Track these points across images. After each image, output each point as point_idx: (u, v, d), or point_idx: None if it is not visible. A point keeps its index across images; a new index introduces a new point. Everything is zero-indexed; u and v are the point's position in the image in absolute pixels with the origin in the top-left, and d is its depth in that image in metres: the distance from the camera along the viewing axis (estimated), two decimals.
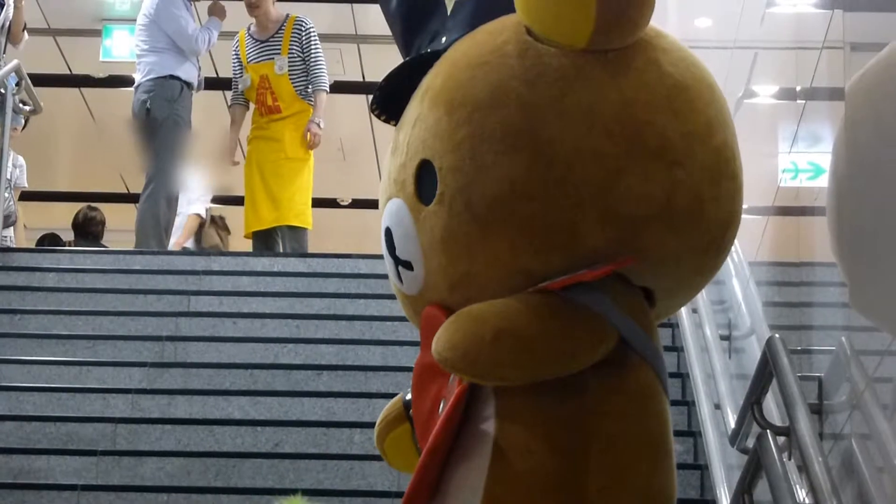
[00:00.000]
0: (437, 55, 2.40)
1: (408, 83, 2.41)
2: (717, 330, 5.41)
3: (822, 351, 3.81)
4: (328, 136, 9.16)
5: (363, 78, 13.18)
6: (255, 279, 7.37)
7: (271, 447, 5.77)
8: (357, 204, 14.36)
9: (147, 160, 8.45)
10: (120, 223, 10.98)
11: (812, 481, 2.83)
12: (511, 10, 2.31)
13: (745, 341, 4.82)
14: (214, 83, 10.42)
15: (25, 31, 8.83)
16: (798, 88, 4.53)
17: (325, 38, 8.90)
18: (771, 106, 5.34)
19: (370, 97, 2.50)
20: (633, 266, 2.27)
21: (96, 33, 12.96)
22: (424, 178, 2.31)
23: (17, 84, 8.41)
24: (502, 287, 2.25)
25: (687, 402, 5.73)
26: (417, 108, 2.36)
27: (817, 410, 3.44)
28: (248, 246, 8.68)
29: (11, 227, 9.52)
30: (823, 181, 3.89)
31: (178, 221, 9.33)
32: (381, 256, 2.47)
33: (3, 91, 8.21)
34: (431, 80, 2.36)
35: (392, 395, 2.58)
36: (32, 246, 10.11)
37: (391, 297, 2.59)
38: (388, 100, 2.45)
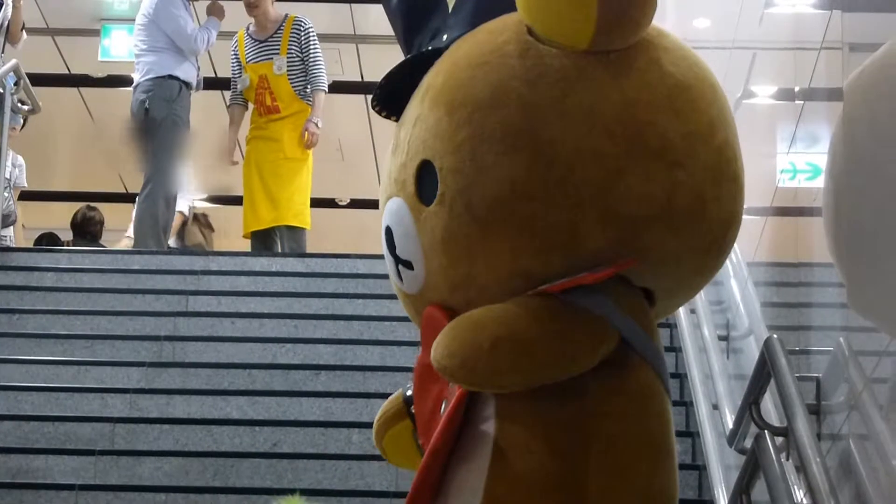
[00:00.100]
0: (438, 53, 2.39)
1: (409, 80, 2.41)
2: (716, 330, 5.40)
3: (820, 351, 3.80)
4: (327, 137, 9.15)
5: (362, 78, 13.17)
6: (254, 279, 7.37)
7: (269, 447, 5.76)
8: (355, 204, 14.37)
9: (145, 160, 8.44)
10: (119, 223, 10.97)
11: (810, 482, 2.82)
12: (512, 8, 2.30)
13: (744, 342, 4.82)
14: (213, 83, 10.41)
15: (24, 31, 8.82)
16: (796, 89, 4.52)
17: (323, 37, 8.89)
18: (769, 106, 5.33)
19: (369, 97, 2.50)
20: (634, 267, 2.27)
21: (95, 33, 12.94)
22: (425, 178, 2.30)
23: (16, 83, 8.39)
24: (503, 288, 2.25)
25: (685, 403, 5.72)
26: (418, 107, 2.35)
27: (815, 411, 3.43)
28: (246, 246, 8.67)
29: (11, 227, 9.50)
30: (821, 182, 3.89)
31: None
32: (379, 257, 2.46)
33: (1, 90, 8.20)
34: (432, 79, 2.36)
35: (390, 395, 2.57)
36: (30, 245, 10.10)
37: (389, 297, 2.59)
38: (390, 97, 2.44)
